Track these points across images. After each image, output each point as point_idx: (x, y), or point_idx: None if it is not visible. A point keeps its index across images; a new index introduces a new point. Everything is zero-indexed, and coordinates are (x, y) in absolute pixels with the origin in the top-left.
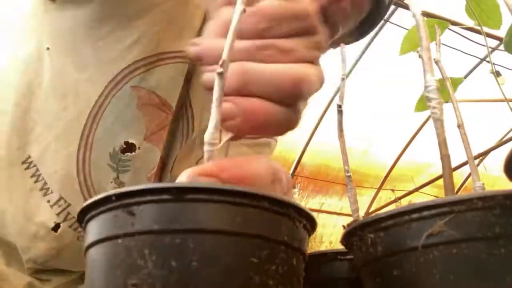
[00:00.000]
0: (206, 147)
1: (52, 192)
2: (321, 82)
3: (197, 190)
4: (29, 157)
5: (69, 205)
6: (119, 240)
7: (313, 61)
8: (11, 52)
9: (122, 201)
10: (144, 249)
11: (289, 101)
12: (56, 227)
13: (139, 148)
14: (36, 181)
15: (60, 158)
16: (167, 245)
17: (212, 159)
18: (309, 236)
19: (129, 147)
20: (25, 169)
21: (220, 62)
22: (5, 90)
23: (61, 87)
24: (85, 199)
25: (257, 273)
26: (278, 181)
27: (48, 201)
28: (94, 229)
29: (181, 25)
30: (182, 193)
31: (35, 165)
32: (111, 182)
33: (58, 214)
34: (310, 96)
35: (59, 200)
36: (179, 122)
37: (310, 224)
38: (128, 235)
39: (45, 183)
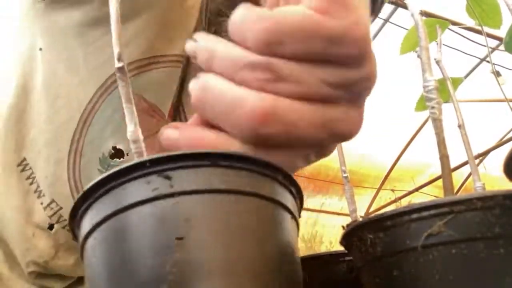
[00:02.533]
0: (132, 145)
1: (44, 195)
2: (347, 131)
3: (228, 157)
4: (24, 159)
5: (60, 208)
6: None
7: (334, 101)
8: (4, 52)
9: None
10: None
11: (254, 142)
12: (51, 227)
13: (127, 154)
14: (31, 183)
15: (51, 162)
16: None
17: (142, 156)
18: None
19: (117, 153)
20: (21, 171)
21: (117, 56)
22: (1, 93)
23: (53, 90)
24: None
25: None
26: None
27: (41, 203)
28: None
29: (175, 27)
30: (216, 160)
31: (30, 168)
32: None
33: (50, 217)
34: (311, 147)
35: (51, 203)
36: None
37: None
38: (168, 196)
39: (38, 186)
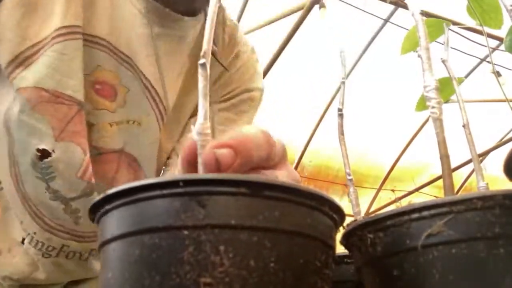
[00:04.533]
0: (197, 137)
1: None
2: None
3: (274, 188)
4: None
5: (21, 222)
6: (185, 232)
7: None
8: None
9: (187, 188)
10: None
11: None
12: (23, 241)
13: (53, 151)
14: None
15: (3, 174)
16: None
17: (205, 148)
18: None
19: (43, 154)
20: (1, 189)
21: (202, 53)
22: None
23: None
24: (30, 216)
25: (319, 277)
26: (273, 143)
27: (17, 216)
28: (140, 216)
29: (44, 10)
30: (259, 189)
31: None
32: (45, 192)
33: (24, 230)
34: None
35: (16, 216)
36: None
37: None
38: (199, 228)
39: (7, 201)
